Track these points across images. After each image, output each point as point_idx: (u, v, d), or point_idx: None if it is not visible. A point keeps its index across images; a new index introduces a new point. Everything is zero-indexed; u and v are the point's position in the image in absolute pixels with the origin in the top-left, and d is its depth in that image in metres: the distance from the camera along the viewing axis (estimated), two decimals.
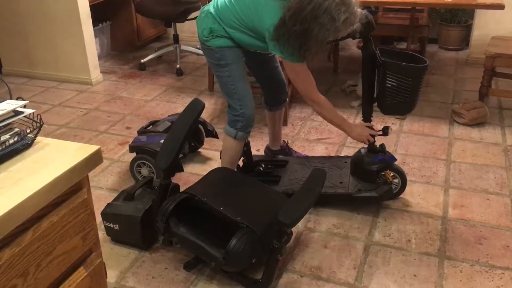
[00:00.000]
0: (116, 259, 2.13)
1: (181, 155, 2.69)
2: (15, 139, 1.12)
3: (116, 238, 2.22)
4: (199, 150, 2.98)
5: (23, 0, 3.92)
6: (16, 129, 1.15)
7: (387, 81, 2.24)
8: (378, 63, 2.25)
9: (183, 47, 4.51)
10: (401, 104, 2.28)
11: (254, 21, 2.08)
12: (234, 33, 2.15)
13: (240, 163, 2.51)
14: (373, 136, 2.34)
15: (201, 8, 2.27)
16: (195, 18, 4.13)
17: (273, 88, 2.56)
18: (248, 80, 2.28)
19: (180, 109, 3.46)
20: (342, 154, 2.93)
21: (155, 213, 2.04)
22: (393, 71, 2.22)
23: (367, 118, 2.41)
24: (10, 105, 1.14)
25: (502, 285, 1.97)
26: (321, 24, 1.90)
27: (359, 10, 1.97)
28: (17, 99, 1.19)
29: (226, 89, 2.25)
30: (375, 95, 2.35)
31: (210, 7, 2.20)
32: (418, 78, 2.22)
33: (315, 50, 1.99)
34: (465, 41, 4.64)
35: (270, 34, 2.01)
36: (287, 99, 2.67)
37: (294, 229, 2.13)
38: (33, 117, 1.16)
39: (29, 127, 1.15)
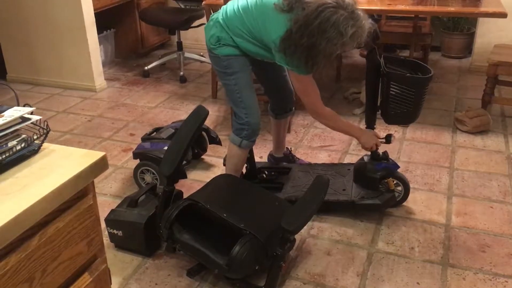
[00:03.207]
0: (119, 266, 2.14)
1: (184, 162, 2.70)
2: (22, 145, 1.13)
3: (120, 244, 2.23)
4: (203, 157, 2.98)
5: (28, 8, 3.95)
6: (23, 136, 1.15)
7: (390, 91, 2.24)
8: (382, 72, 2.26)
9: (187, 55, 4.52)
10: (405, 114, 2.28)
11: (262, 32, 2.08)
12: (241, 42, 2.15)
13: (244, 170, 2.52)
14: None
15: (211, 15, 2.27)
16: (198, 25, 4.18)
17: (280, 97, 2.55)
18: (254, 89, 2.28)
19: (183, 116, 3.47)
20: (345, 161, 2.94)
21: (158, 219, 2.05)
22: (397, 82, 2.22)
23: (370, 126, 2.41)
24: (17, 111, 1.15)
25: None
26: (328, 38, 1.89)
27: (367, 23, 1.95)
28: (24, 105, 1.20)
29: (232, 97, 2.25)
30: (378, 104, 2.36)
31: (219, 15, 2.20)
32: (422, 88, 2.22)
33: (322, 64, 1.99)
34: (467, 49, 4.65)
35: (277, 46, 2.00)
36: (294, 108, 2.66)
37: (297, 236, 2.13)
38: (40, 124, 1.17)
39: (36, 134, 1.16)
